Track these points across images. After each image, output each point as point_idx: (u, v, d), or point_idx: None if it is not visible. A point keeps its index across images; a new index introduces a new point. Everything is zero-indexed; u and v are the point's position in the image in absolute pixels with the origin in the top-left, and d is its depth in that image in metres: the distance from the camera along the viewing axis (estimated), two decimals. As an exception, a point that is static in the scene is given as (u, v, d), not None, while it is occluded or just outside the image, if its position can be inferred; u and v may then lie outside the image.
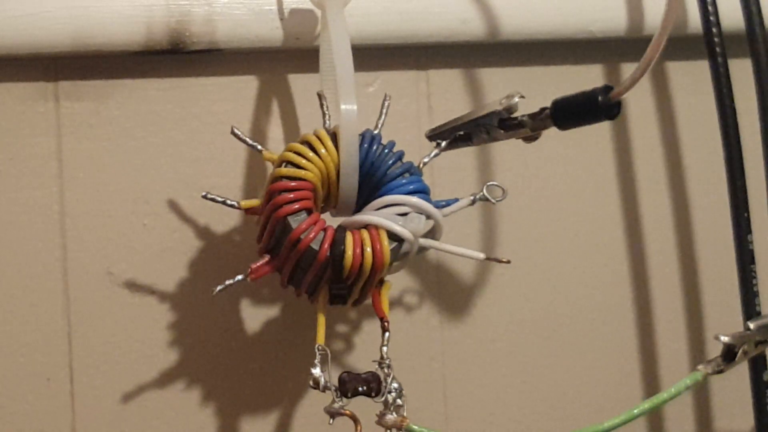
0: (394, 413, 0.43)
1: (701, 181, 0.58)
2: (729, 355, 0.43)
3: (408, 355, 0.54)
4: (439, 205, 0.46)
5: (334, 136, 0.44)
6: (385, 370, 0.44)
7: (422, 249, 0.45)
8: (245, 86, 0.51)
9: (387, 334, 0.45)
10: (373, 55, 0.51)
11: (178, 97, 0.50)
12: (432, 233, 0.46)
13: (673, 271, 0.58)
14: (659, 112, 0.58)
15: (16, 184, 0.48)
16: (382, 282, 0.46)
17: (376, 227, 0.43)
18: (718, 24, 0.50)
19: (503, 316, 0.56)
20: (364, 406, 0.43)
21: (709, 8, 0.50)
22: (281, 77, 0.51)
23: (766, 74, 0.50)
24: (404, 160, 0.46)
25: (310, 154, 0.44)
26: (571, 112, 0.42)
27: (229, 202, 0.45)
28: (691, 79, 0.58)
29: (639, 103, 0.57)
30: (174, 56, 0.48)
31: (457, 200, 0.47)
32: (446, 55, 0.54)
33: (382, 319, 0.45)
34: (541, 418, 0.56)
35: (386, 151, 0.45)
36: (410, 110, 0.53)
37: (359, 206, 0.46)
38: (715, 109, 0.50)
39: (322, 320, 0.45)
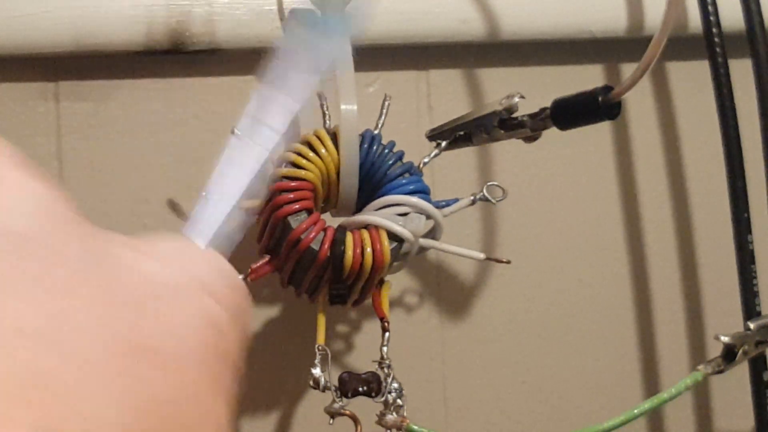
0: (394, 413, 0.43)
1: (701, 181, 0.58)
2: (729, 355, 0.43)
3: (408, 355, 0.54)
4: (439, 205, 0.46)
5: (334, 136, 0.44)
6: (385, 370, 0.44)
7: (422, 249, 0.45)
8: (245, 86, 0.51)
9: (387, 334, 0.45)
10: (373, 55, 0.51)
11: (178, 97, 0.50)
12: (432, 233, 0.46)
13: (673, 271, 0.58)
14: (659, 112, 0.58)
15: (16, 184, 0.48)
16: (382, 282, 0.46)
17: (376, 227, 0.43)
18: (718, 24, 0.50)
19: (503, 316, 0.56)
20: (364, 406, 0.43)
21: (709, 8, 0.50)
22: (281, 77, 0.51)
23: (766, 74, 0.50)
24: (404, 160, 0.46)
25: (311, 154, 0.44)
26: (571, 112, 0.42)
27: (229, 202, 0.45)
28: (691, 79, 0.57)
29: (639, 103, 0.57)
30: (174, 56, 0.48)
31: (457, 200, 0.47)
32: (446, 55, 0.54)
33: (382, 319, 0.45)
34: (541, 418, 0.56)
35: (386, 151, 0.45)
36: (410, 110, 0.53)
37: (359, 206, 0.46)
38: (715, 109, 0.50)
39: (322, 320, 0.45)
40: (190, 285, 0.21)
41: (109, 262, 0.19)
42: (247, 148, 0.26)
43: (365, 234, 0.43)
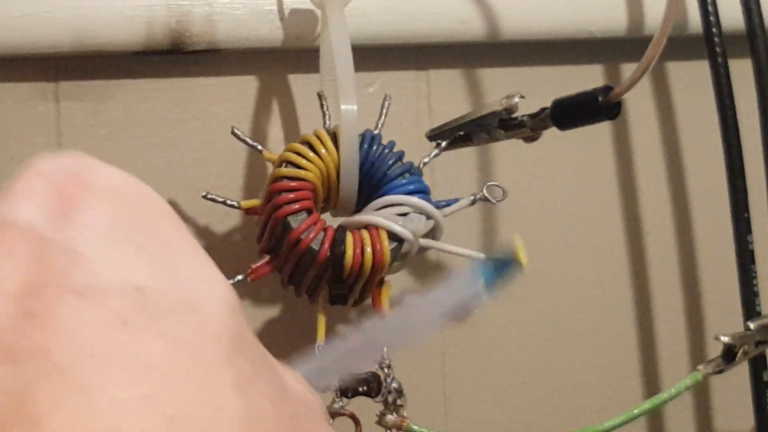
0: (394, 413, 0.43)
1: (701, 181, 0.58)
2: (729, 355, 0.43)
3: (408, 355, 0.54)
4: (439, 205, 0.46)
5: (334, 136, 0.44)
6: (385, 370, 0.44)
7: (422, 249, 0.45)
8: (245, 86, 0.51)
9: (387, 334, 0.45)
10: (373, 55, 0.51)
11: (178, 97, 0.50)
12: (432, 233, 0.46)
13: (673, 271, 0.58)
14: (659, 112, 0.58)
15: (16, 184, 0.48)
16: (382, 282, 0.46)
17: (377, 227, 0.43)
18: (718, 24, 0.50)
19: (503, 316, 0.56)
20: (364, 406, 0.43)
21: (709, 8, 0.50)
22: (281, 77, 0.51)
23: (766, 74, 0.50)
24: (404, 160, 0.46)
25: (311, 154, 0.44)
26: (571, 112, 0.42)
27: (229, 202, 0.45)
28: (691, 79, 0.57)
29: (639, 103, 0.57)
30: (174, 56, 0.48)
31: (457, 200, 0.47)
32: (446, 55, 0.54)
33: (382, 319, 0.45)
34: (541, 418, 0.56)
35: (386, 151, 0.45)
36: (410, 110, 0.53)
37: (359, 206, 0.46)
38: (715, 109, 0.50)
39: (322, 320, 0.45)
40: (320, 408, 0.23)
41: (273, 365, 0.21)
42: (383, 335, 0.29)
43: (365, 234, 0.43)
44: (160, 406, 0.16)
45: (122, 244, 0.19)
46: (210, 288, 0.19)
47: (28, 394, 0.16)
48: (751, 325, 0.44)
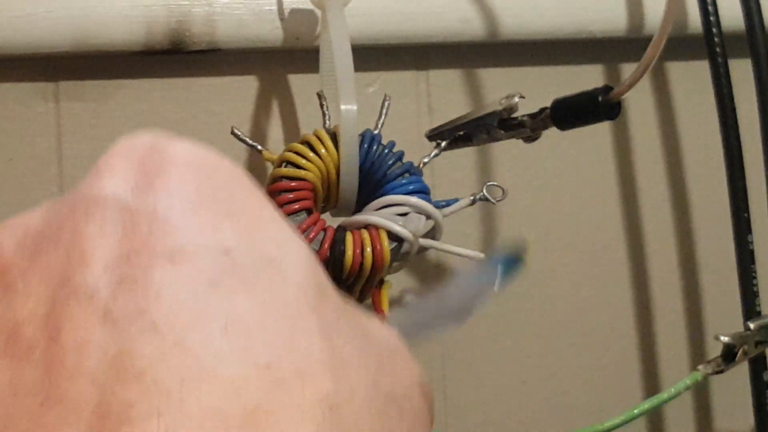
0: (394, 413, 0.43)
1: (701, 181, 0.58)
2: (729, 355, 0.43)
3: (408, 355, 0.54)
4: (439, 205, 0.46)
5: (334, 136, 0.44)
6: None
7: (422, 249, 0.45)
8: (245, 86, 0.51)
9: (387, 334, 0.45)
10: (373, 55, 0.51)
11: (178, 97, 0.50)
12: (432, 233, 0.46)
13: (673, 271, 0.58)
14: (659, 112, 0.58)
15: (16, 184, 0.48)
16: (382, 282, 0.46)
17: (376, 227, 0.43)
18: (718, 24, 0.50)
19: (503, 316, 0.56)
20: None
21: (709, 8, 0.50)
22: (281, 77, 0.51)
23: (766, 74, 0.50)
24: (404, 160, 0.46)
25: (310, 154, 0.44)
26: (571, 113, 0.42)
27: (229, 202, 0.45)
28: (691, 79, 0.57)
29: (639, 103, 0.57)
30: (174, 56, 0.48)
31: (457, 200, 0.47)
32: (446, 55, 0.54)
33: (382, 319, 0.45)
34: (541, 418, 0.56)
35: (386, 151, 0.45)
36: (410, 110, 0.53)
37: (359, 206, 0.46)
38: (715, 109, 0.50)
39: (322, 320, 0.45)
40: (404, 348, 0.24)
41: (355, 313, 0.22)
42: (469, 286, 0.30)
43: (365, 234, 0.43)
44: (256, 355, 0.17)
45: (206, 210, 0.20)
46: (290, 246, 0.20)
47: (128, 351, 0.17)
48: (751, 325, 0.44)
